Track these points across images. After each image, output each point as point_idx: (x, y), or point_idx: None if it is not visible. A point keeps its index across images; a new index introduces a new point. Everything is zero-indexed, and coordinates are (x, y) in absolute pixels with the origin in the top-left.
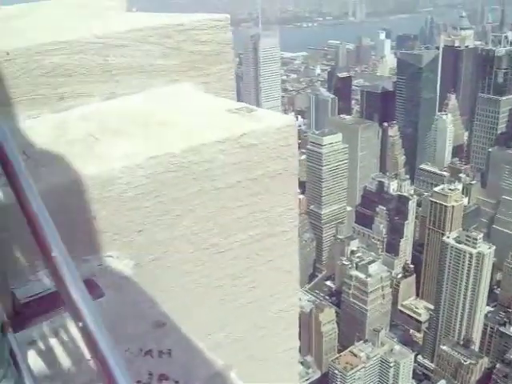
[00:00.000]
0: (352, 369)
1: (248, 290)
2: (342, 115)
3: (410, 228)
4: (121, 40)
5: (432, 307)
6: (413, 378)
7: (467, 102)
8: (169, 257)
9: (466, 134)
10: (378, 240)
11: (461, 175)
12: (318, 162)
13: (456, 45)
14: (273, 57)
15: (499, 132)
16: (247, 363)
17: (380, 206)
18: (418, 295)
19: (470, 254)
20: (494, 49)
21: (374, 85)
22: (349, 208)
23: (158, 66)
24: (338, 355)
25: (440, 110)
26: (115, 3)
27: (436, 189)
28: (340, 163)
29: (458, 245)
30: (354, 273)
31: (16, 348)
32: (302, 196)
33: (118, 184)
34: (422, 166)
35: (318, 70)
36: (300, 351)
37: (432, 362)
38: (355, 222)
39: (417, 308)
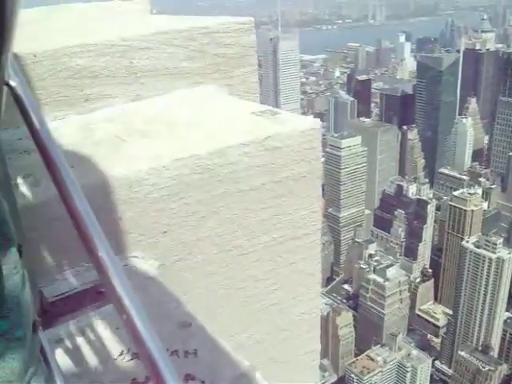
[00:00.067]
0: (369, 373)
1: (270, 292)
2: (361, 118)
3: (428, 232)
4: (146, 42)
5: (450, 312)
6: (430, 383)
7: (488, 106)
8: (193, 258)
9: (486, 137)
10: (397, 244)
11: (480, 179)
12: (337, 165)
13: (477, 48)
14: (292, 59)
15: None
16: (269, 365)
17: (399, 210)
18: (436, 300)
19: (490, 259)
20: None
21: (393, 88)
22: (367, 211)
23: (183, 68)
24: (354, 359)
25: (460, 114)
26: (139, 6)
27: (455, 193)
28: (359, 166)
29: (477, 249)
30: (372, 276)
31: (46, 346)
32: None
33: (144, 185)
34: (442, 170)
35: (337, 73)
36: None
37: (450, 368)
38: (373, 226)
39: (435, 313)
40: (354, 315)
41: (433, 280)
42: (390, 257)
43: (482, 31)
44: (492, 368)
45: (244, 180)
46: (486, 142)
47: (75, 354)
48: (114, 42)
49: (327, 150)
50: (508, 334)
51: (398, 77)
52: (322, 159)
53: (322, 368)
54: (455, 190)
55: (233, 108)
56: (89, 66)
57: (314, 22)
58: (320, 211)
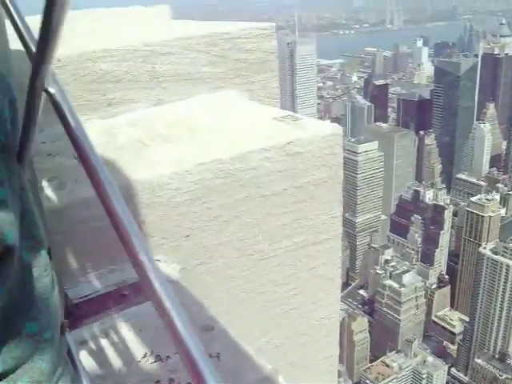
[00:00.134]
0: (384, 379)
1: (290, 297)
2: (378, 123)
3: (445, 238)
4: (168, 48)
5: (467, 319)
6: None
7: (506, 111)
8: (214, 262)
9: (505, 143)
10: (413, 249)
11: (498, 185)
12: (353, 170)
13: (495, 52)
14: (309, 64)
15: None
16: (288, 370)
17: (415, 215)
18: (452, 306)
19: (507, 266)
20: None
21: (410, 93)
22: (383, 217)
23: (204, 73)
24: (369, 365)
25: (478, 119)
26: (160, 11)
27: (473, 199)
28: (375, 171)
29: (494, 256)
30: (388, 282)
31: (73, 347)
32: None
33: (167, 189)
34: (459, 176)
35: (354, 78)
36: None
37: (466, 376)
38: (390, 231)
39: (451, 319)
40: (369, 321)
41: (449, 286)
42: (407, 262)
43: (501, 36)
44: (509, 376)
45: (265, 185)
46: (504, 147)
47: (99, 355)
48: (137, 47)
49: (344, 154)
50: None
51: (415, 82)
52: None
53: (337, 374)
54: (473, 195)
55: (254, 113)
56: (112, 71)
57: (331, 26)
58: (341, 216)
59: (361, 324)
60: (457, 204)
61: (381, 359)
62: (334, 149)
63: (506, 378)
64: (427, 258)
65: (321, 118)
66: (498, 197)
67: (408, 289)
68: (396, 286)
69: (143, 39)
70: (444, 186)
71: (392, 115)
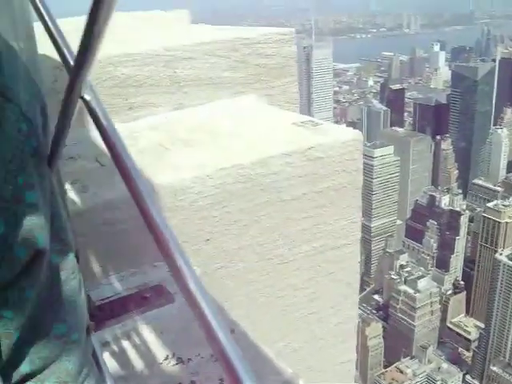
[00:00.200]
0: None
1: (309, 301)
2: (394, 127)
3: (461, 244)
4: (189, 53)
5: (482, 326)
6: None
7: None
8: (234, 266)
9: None
10: (428, 255)
11: None
12: (369, 175)
13: None
14: (325, 68)
15: None
16: (305, 374)
17: (431, 221)
18: (467, 313)
19: None
20: None
21: (427, 97)
22: (399, 222)
23: (225, 78)
24: (383, 370)
25: (495, 124)
26: (180, 15)
27: (489, 204)
28: (391, 176)
29: (510, 262)
30: (403, 287)
31: (98, 348)
32: None
33: (189, 193)
34: (476, 181)
35: (370, 82)
36: None
37: (481, 383)
38: (405, 236)
39: (466, 326)
40: (383, 326)
41: (465, 292)
42: (422, 268)
43: None
44: None
45: (286, 190)
46: None
47: (121, 357)
48: (158, 51)
49: None
50: None
51: (431, 86)
52: None
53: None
54: (489, 201)
55: (274, 118)
56: (133, 76)
57: (347, 30)
58: (360, 222)
59: (375, 329)
60: (473, 210)
61: (395, 365)
62: (354, 154)
63: None
64: (443, 264)
65: (337, 122)
66: None
67: (423, 294)
68: (411, 291)
69: (164, 44)
70: (460, 191)
71: (408, 120)
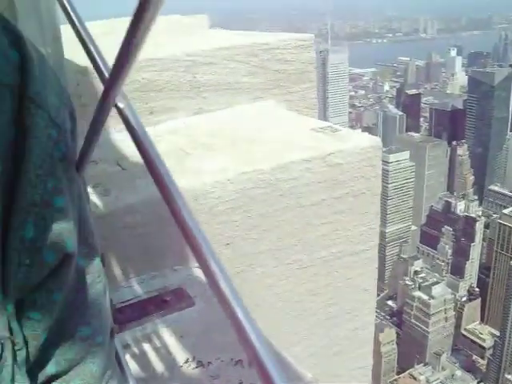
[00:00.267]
0: None
1: (327, 306)
2: (409, 133)
3: (476, 250)
4: (209, 58)
5: (497, 333)
6: None
7: None
8: (253, 270)
9: None
10: (443, 261)
11: None
12: (384, 180)
13: None
14: (341, 72)
15: None
16: (322, 378)
17: (446, 227)
18: (482, 320)
19: None
20: None
21: (443, 103)
22: (414, 227)
23: (244, 83)
24: (396, 377)
25: None
26: (198, 20)
27: (505, 211)
28: (406, 181)
29: None
30: (417, 294)
31: (120, 350)
32: None
33: (209, 198)
34: (492, 187)
35: (386, 87)
36: None
37: None
38: (420, 242)
39: (481, 333)
40: (397, 332)
41: (480, 299)
42: (436, 274)
43: None
44: None
45: (305, 195)
46: None
47: (141, 359)
48: (179, 56)
49: None
50: None
51: (448, 91)
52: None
53: None
54: (505, 207)
55: (293, 123)
56: (154, 80)
57: (364, 35)
58: (378, 228)
59: (388, 335)
60: (489, 216)
61: (408, 371)
62: (372, 160)
63: None
64: (457, 270)
65: (352, 126)
66: None
67: (437, 301)
68: (425, 297)
69: (185, 49)
70: (476, 197)
71: (424, 125)
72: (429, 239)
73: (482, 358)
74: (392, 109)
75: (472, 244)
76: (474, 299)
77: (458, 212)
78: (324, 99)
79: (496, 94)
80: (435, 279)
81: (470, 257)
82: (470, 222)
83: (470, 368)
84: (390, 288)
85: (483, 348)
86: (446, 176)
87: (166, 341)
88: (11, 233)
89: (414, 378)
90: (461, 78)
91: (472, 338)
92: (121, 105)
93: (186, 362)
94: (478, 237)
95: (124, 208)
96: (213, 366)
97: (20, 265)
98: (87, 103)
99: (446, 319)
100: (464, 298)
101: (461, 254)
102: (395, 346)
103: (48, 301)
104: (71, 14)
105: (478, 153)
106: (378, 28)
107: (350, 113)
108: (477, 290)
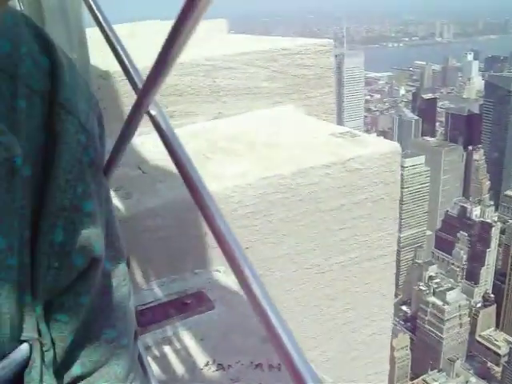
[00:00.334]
0: None
1: (344, 311)
2: (425, 137)
3: (492, 256)
4: (229, 62)
5: None
6: None
7: None
8: (272, 274)
9: None
10: (458, 267)
11: None
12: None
13: None
14: (357, 76)
15: None
16: (338, 383)
17: (461, 232)
18: (497, 327)
19: None
20: None
21: (459, 107)
22: (429, 232)
23: (263, 88)
24: (410, 383)
25: None
26: (217, 25)
27: None
28: (421, 186)
29: None
30: (431, 299)
31: (143, 353)
32: None
33: (230, 202)
34: (508, 193)
35: (402, 91)
36: None
37: None
38: (435, 247)
39: (496, 340)
40: (411, 338)
41: (495, 306)
42: (451, 280)
43: None
44: None
45: (324, 200)
46: None
47: (162, 362)
48: (199, 61)
49: None
50: None
51: (464, 96)
52: None
53: None
54: None
55: (312, 128)
56: (174, 84)
57: (379, 39)
58: (396, 233)
59: (402, 340)
60: (505, 221)
61: (422, 377)
62: (392, 166)
63: None
64: (473, 276)
65: (367, 131)
66: None
67: (452, 307)
68: (439, 303)
69: (205, 54)
70: (492, 202)
71: (440, 130)
72: (444, 244)
73: (497, 365)
74: (408, 113)
75: (488, 250)
76: (490, 305)
77: (474, 217)
78: (339, 103)
79: None
80: (450, 285)
81: (486, 262)
82: (486, 227)
83: (484, 375)
84: (404, 293)
85: (498, 355)
86: (461, 181)
87: (186, 343)
88: (40, 236)
89: None
90: (477, 83)
91: (487, 344)
92: (153, 112)
93: (207, 364)
94: (494, 242)
95: (145, 211)
96: (233, 370)
97: (49, 268)
98: (107, 107)
99: (461, 325)
100: (479, 304)
101: (476, 259)
102: (409, 351)
103: (75, 303)
104: (100, 18)
105: (494, 158)
106: (394, 32)
107: (366, 117)
108: (492, 296)
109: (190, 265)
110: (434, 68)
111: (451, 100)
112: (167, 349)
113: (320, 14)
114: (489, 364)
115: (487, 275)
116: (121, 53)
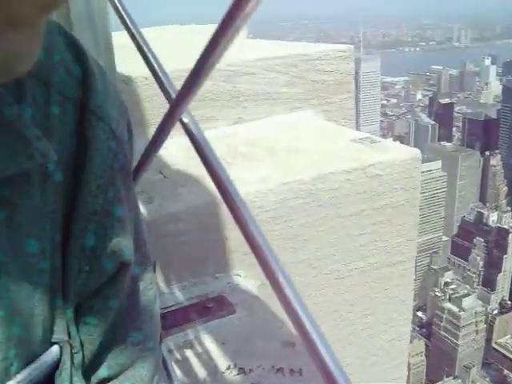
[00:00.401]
0: None
1: (363, 317)
2: (442, 142)
3: (509, 262)
4: (249, 68)
5: None
6: None
7: None
8: (292, 279)
9: None
10: (474, 273)
11: None
12: None
13: None
14: (373, 81)
15: None
16: None
17: (478, 238)
18: None
19: None
20: None
21: (476, 112)
22: (445, 238)
23: (283, 93)
24: None
25: None
26: None
27: None
28: (438, 191)
29: None
30: (447, 305)
31: (167, 356)
32: None
33: (251, 207)
34: None
35: (418, 96)
36: None
37: None
38: (451, 253)
39: None
40: (426, 344)
41: None
42: (467, 286)
43: None
44: None
45: (344, 206)
46: None
47: (184, 365)
48: (220, 66)
49: None
50: None
51: (481, 101)
52: None
53: None
54: None
55: (332, 134)
56: None
57: (396, 43)
58: (416, 239)
59: (417, 347)
60: None
61: None
62: (412, 172)
63: None
64: (489, 283)
65: (383, 135)
66: None
67: (468, 313)
68: (455, 309)
69: (225, 59)
70: (509, 208)
71: (457, 135)
72: (460, 250)
73: None
74: (424, 118)
75: (504, 256)
76: (506, 312)
77: (491, 223)
78: (356, 108)
79: None
80: (466, 291)
81: (503, 269)
82: (503, 233)
83: (501, 383)
84: (420, 299)
85: None
86: (478, 186)
87: (207, 347)
88: (72, 240)
89: None
90: (495, 88)
91: (503, 352)
92: (185, 120)
93: (228, 368)
94: (511, 249)
95: (167, 216)
96: (254, 374)
97: (80, 271)
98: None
99: (477, 332)
100: (495, 311)
101: (493, 265)
102: (424, 357)
103: (104, 307)
104: (129, 25)
105: None
106: (410, 36)
107: (382, 121)
108: (509, 302)
109: (211, 269)
110: (451, 73)
111: (468, 105)
112: (189, 352)
113: (336, 18)
114: (505, 372)
115: (504, 282)
116: (152, 60)
